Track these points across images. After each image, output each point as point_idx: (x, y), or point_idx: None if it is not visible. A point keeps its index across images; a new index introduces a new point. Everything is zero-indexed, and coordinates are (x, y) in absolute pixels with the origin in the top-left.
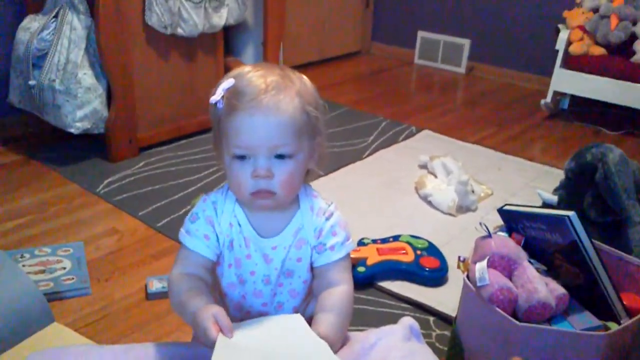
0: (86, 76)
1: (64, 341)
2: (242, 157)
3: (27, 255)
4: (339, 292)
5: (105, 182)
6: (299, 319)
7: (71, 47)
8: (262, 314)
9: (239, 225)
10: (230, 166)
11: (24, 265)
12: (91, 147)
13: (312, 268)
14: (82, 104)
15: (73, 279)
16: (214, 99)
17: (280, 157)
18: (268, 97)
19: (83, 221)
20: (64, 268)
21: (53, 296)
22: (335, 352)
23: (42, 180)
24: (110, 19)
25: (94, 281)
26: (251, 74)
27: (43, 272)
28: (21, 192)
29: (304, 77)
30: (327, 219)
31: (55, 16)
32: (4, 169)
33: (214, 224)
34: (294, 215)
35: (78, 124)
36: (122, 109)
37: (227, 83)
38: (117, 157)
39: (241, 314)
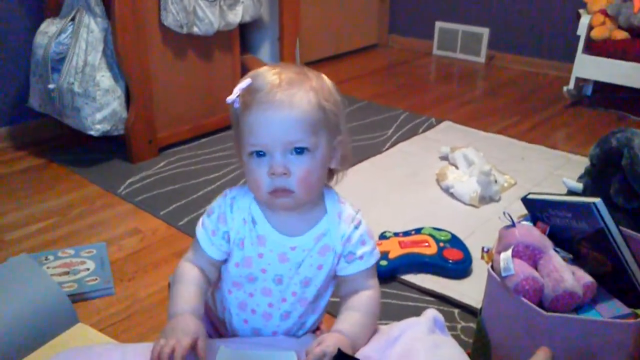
0: (104, 78)
1: (88, 341)
2: (259, 156)
3: (51, 257)
4: (367, 294)
5: (126, 182)
6: (292, 358)
7: (89, 50)
8: (267, 315)
9: (253, 222)
10: (247, 165)
11: (48, 268)
12: (111, 148)
13: (334, 276)
14: (101, 106)
15: (96, 279)
16: (230, 98)
17: (297, 153)
18: (281, 91)
19: (105, 222)
20: (88, 269)
21: (77, 297)
22: (357, 350)
23: (64, 183)
24: (126, 21)
25: (117, 281)
26: (266, 72)
27: (67, 273)
28: (43, 196)
29: (324, 75)
30: (356, 227)
31: (72, 19)
32: (26, 173)
33: (226, 221)
34: (319, 219)
35: (98, 126)
36: (141, 109)
37: (244, 83)
38: (137, 157)
39: (245, 313)
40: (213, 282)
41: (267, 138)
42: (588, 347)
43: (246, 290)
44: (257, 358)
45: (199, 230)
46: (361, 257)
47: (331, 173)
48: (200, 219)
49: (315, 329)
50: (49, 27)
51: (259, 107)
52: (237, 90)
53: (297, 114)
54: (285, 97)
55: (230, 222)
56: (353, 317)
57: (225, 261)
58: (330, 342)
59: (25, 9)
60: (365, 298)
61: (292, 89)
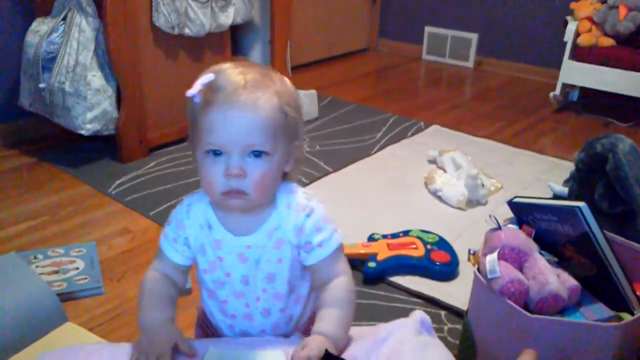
0: (95, 78)
1: (77, 340)
2: (215, 155)
3: (40, 257)
4: (338, 284)
5: (117, 182)
6: (280, 357)
7: (80, 49)
8: (247, 316)
9: (209, 227)
10: (202, 163)
11: (37, 267)
12: (102, 148)
13: (299, 267)
14: (92, 105)
15: (86, 279)
16: (190, 92)
17: (255, 156)
18: (245, 93)
19: (95, 222)
20: (77, 268)
21: (67, 296)
22: (344, 346)
23: (54, 182)
24: (118, 21)
25: (107, 281)
26: (230, 70)
27: (57, 272)
28: (33, 194)
29: (286, 78)
30: (308, 215)
31: (64, 19)
32: (16, 172)
33: (184, 227)
34: (269, 214)
35: (88, 126)
36: (132, 109)
37: (206, 78)
38: (128, 157)
39: (229, 318)
40: (181, 286)
41: (226, 138)
42: (572, 349)
43: (220, 297)
44: (245, 358)
45: (162, 239)
46: (320, 245)
47: (284, 175)
48: (163, 229)
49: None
50: (40, 26)
51: (220, 107)
52: (198, 85)
53: (260, 117)
54: (249, 99)
55: (188, 228)
56: (330, 314)
57: (188, 268)
58: (313, 345)
59: (17, 8)
60: (337, 288)
61: (257, 92)
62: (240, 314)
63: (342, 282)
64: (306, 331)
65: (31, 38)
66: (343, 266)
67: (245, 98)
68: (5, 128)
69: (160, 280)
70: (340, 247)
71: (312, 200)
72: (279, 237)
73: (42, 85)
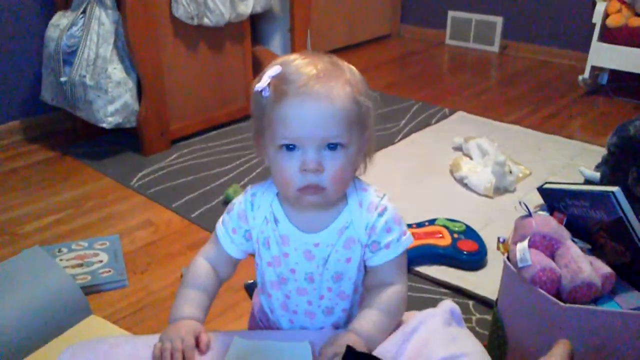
0: (116, 70)
1: (101, 333)
2: (289, 149)
3: (64, 250)
4: (391, 290)
5: (139, 175)
6: (306, 348)
7: (100, 42)
8: (309, 313)
9: (275, 222)
10: (275, 159)
11: (61, 260)
12: (124, 141)
13: (364, 266)
14: (113, 98)
15: (110, 271)
16: (259, 86)
17: (331, 149)
18: (319, 83)
19: (118, 214)
20: (101, 261)
21: (91, 289)
22: (372, 349)
23: (77, 176)
24: (137, 13)
25: (131, 273)
26: (299, 61)
27: (81, 265)
28: (57, 188)
29: (353, 66)
30: (380, 214)
31: (84, 12)
32: (39, 166)
33: (247, 219)
34: (340, 211)
35: (110, 119)
36: (153, 102)
37: (273, 70)
38: (150, 150)
39: (289, 313)
40: (226, 280)
41: (301, 131)
42: (607, 339)
43: (283, 291)
44: (270, 348)
45: (219, 227)
46: (387, 246)
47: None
48: (221, 216)
49: None
50: (60, 20)
51: (294, 98)
52: (267, 78)
53: (335, 108)
54: (323, 89)
55: (252, 220)
56: (371, 315)
57: (239, 261)
58: (342, 341)
59: (37, 2)
60: (388, 295)
61: (330, 82)
62: (302, 311)
63: (395, 290)
64: None
65: (52, 32)
66: (402, 275)
67: (320, 88)
68: (27, 122)
69: (206, 273)
70: (405, 252)
71: (384, 199)
72: (350, 235)
73: (63, 79)
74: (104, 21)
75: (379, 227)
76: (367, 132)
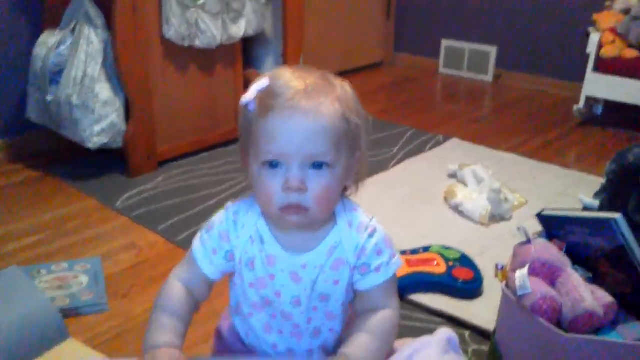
0: (103, 90)
1: (78, 357)
2: (273, 166)
3: (43, 271)
4: (382, 315)
5: (124, 196)
6: None
7: (88, 61)
8: (295, 334)
9: (262, 242)
10: (257, 176)
11: (40, 281)
12: (109, 162)
13: (352, 289)
14: (100, 118)
15: (90, 294)
16: (246, 98)
17: (316, 167)
18: (307, 98)
19: (101, 236)
20: (81, 283)
21: (70, 312)
22: None
23: (60, 196)
24: (127, 33)
25: (112, 297)
26: (288, 75)
27: (60, 287)
28: (39, 208)
29: (346, 83)
30: (371, 235)
31: (73, 30)
32: (22, 186)
33: (230, 239)
34: (329, 231)
35: (95, 139)
36: (141, 122)
37: (261, 83)
38: (136, 171)
39: (272, 335)
40: (202, 301)
41: (286, 148)
42: None
43: (267, 312)
44: None
45: (197, 247)
46: (377, 269)
47: (344, 188)
48: (198, 234)
49: None
50: (48, 39)
51: (280, 113)
52: (253, 91)
53: (322, 125)
54: (311, 105)
55: (235, 240)
56: (362, 339)
57: (215, 282)
58: None
59: (25, 20)
60: (380, 319)
61: (319, 97)
62: (288, 332)
63: (387, 315)
64: None
65: (39, 50)
66: (393, 298)
67: (307, 104)
68: (11, 141)
69: (180, 297)
70: (395, 275)
71: (374, 220)
72: (338, 256)
73: (49, 98)
74: (92, 40)
75: (369, 248)
76: (358, 152)
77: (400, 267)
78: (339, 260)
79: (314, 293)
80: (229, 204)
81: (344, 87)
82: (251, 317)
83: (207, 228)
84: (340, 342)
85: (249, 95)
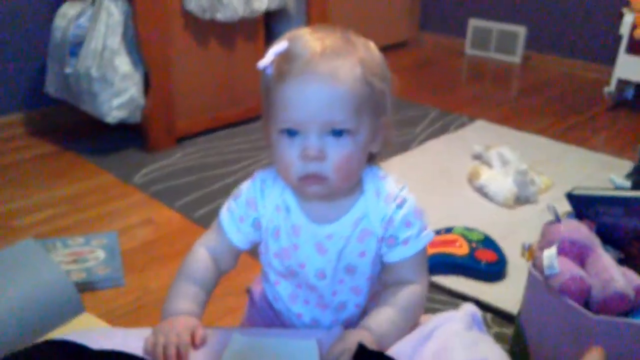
0: (123, 63)
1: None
2: (291, 135)
3: (59, 245)
4: (409, 289)
5: (142, 172)
6: (312, 347)
7: (108, 34)
8: (320, 305)
9: (287, 211)
10: (276, 145)
11: (56, 255)
12: (128, 137)
13: (379, 262)
14: (119, 91)
15: (106, 269)
16: (262, 63)
17: (336, 135)
18: (324, 62)
19: (118, 211)
20: (97, 258)
21: (85, 286)
22: (385, 349)
23: (77, 171)
24: (148, 5)
25: (128, 272)
26: (308, 36)
27: (76, 262)
28: (56, 183)
29: (371, 43)
30: (399, 206)
31: (93, 2)
32: (40, 160)
33: (257, 207)
34: (356, 201)
35: (114, 113)
36: (160, 97)
37: (279, 46)
38: (154, 147)
39: (297, 305)
40: (226, 272)
41: (302, 115)
42: (638, 354)
43: (292, 282)
44: (273, 346)
45: (224, 214)
46: (405, 242)
47: (370, 156)
48: (226, 203)
49: None
50: (69, 10)
51: (296, 78)
52: (270, 55)
53: (341, 90)
54: (328, 68)
55: (262, 209)
56: (385, 312)
57: (242, 252)
58: (352, 338)
59: None
60: (406, 294)
61: (337, 60)
62: (314, 303)
63: (413, 290)
64: None
65: (59, 22)
66: (422, 272)
67: (324, 67)
68: (30, 115)
69: (205, 265)
70: (425, 249)
71: (404, 189)
72: (365, 227)
73: (68, 71)
74: (113, 12)
75: (396, 220)
76: (383, 117)
77: (431, 240)
78: (365, 232)
79: (340, 264)
80: (257, 172)
81: (367, 48)
82: (278, 285)
83: (235, 196)
84: (364, 317)
85: (267, 58)
